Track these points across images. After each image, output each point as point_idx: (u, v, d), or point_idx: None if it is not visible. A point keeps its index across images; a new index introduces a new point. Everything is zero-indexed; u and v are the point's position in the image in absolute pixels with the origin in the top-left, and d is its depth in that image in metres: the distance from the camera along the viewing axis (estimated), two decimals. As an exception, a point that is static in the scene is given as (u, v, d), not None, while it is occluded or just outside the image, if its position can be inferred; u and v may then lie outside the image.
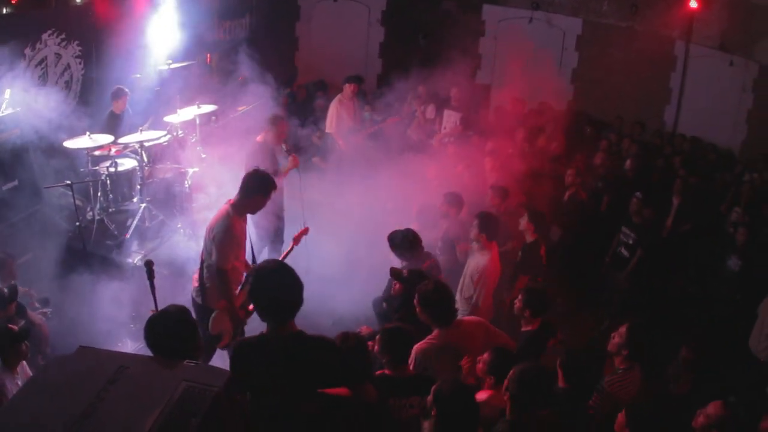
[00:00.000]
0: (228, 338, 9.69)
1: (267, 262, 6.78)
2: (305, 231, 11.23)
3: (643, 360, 8.52)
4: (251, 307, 9.57)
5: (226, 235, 9.43)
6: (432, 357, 8.39)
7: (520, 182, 14.71)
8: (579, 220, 14.87)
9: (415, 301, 8.81)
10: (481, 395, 7.72)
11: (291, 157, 12.72)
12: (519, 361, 9.33)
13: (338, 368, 6.62)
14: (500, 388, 7.55)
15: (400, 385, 7.50)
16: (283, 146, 12.82)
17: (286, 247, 11.86)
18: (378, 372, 8.03)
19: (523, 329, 9.70)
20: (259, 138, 12.96)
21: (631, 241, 14.15)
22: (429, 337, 8.61)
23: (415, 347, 8.41)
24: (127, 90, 15.58)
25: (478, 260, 11.22)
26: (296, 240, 10.99)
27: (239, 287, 9.89)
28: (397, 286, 10.11)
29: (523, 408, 7.14)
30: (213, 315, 9.52)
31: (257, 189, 9.71)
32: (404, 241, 10.90)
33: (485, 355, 7.89)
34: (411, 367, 8.27)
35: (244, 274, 9.98)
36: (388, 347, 7.74)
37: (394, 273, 10.33)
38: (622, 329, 8.55)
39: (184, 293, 10.34)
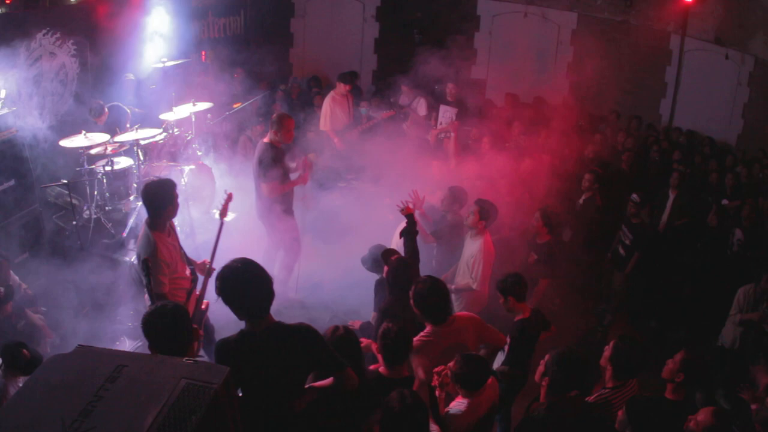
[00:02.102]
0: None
1: (231, 262, 6.73)
2: (230, 198, 10.60)
3: (632, 377, 8.48)
4: (204, 305, 9.77)
5: (154, 260, 9.13)
6: (425, 354, 8.35)
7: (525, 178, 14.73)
8: (593, 223, 14.81)
9: (410, 293, 8.78)
10: (459, 405, 7.71)
11: (303, 161, 12.57)
12: (514, 349, 9.39)
13: (319, 354, 6.65)
14: (476, 395, 7.61)
15: (394, 387, 7.42)
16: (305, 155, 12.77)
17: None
18: (372, 366, 8.09)
19: (516, 319, 9.71)
20: (265, 139, 12.83)
21: (628, 241, 14.17)
22: (422, 333, 8.58)
23: None
24: (103, 104, 15.42)
25: (472, 246, 11.39)
26: (223, 213, 10.41)
27: (188, 296, 9.76)
28: (386, 268, 10.08)
29: (560, 390, 7.22)
30: None
31: (163, 202, 9.43)
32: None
33: (451, 363, 7.82)
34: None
35: (196, 278, 10.02)
36: (385, 347, 7.72)
37: (384, 253, 10.32)
38: (611, 344, 8.52)
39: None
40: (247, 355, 6.45)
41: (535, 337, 9.66)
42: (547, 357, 7.68)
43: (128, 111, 15.46)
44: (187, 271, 9.91)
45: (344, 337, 7.36)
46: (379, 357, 7.84)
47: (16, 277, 11.37)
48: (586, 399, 8.21)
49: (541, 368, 7.66)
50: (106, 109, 15.35)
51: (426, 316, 8.61)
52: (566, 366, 7.36)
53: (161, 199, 9.41)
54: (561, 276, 12.46)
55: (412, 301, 8.65)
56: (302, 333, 6.61)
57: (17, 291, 11.02)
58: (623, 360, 8.25)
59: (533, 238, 12.64)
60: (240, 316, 6.63)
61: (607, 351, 8.44)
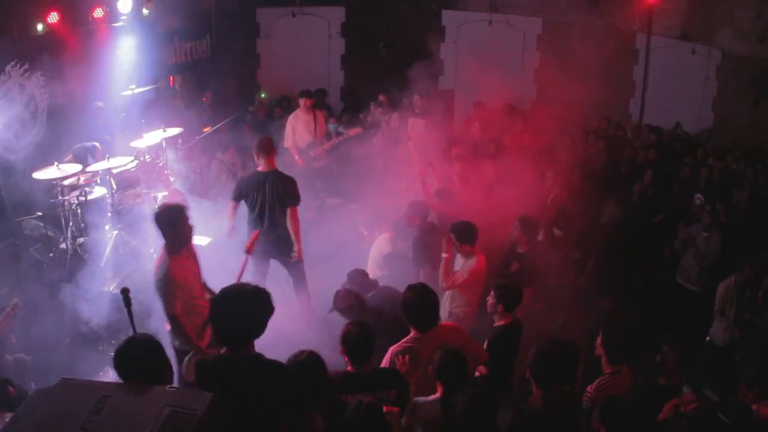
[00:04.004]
0: None
1: (228, 288, 6.82)
2: (256, 237, 10.89)
3: (627, 361, 8.56)
4: None
5: (165, 281, 9.29)
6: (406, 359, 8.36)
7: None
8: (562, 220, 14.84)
9: (401, 299, 8.82)
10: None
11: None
12: (492, 354, 9.43)
13: (287, 394, 6.67)
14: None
15: (362, 381, 7.62)
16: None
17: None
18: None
19: (496, 324, 9.79)
20: (263, 169, 12.74)
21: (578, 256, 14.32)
22: (405, 339, 8.65)
23: (391, 348, 8.54)
24: (66, 159, 15.34)
25: (463, 268, 11.25)
26: (249, 250, 10.69)
27: (204, 324, 9.65)
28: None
29: (543, 383, 7.25)
30: (185, 361, 9.39)
31: (171, 223, 9.55)
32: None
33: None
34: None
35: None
36: (348, 350, 7.85)
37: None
38: (600, 333, 8.61)
39: (162, 318, 10.25)
40: (222, 380, 6.48)
41: (516, 344, 9.74)
42: (531, 350, 7.74)
43: (96, 145, 15.36)
44: (207, 297, 9.87)
45: (306, 362, 7.30)
46: (346, 358, 7.96)
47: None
48: (587, 388, 8.38)
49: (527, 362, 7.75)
50: (70, 156, 15.25)
51: (412, 322, 8.67)
52: (544, 360, 7.41)
53: (162, 223, 9.53)
54: (542, 284, 12.42)
55: (401, 307, 8.73)
56: (274, 372, 6.68)
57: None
58: (614, 343, 8.43)
59: (513, 247, 12.58)
60: (220, 340, 6.78)
61: (599, 338, 8.55)
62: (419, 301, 8.60)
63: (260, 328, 6.69)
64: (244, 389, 6.44)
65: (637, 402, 7.90)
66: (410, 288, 8.85)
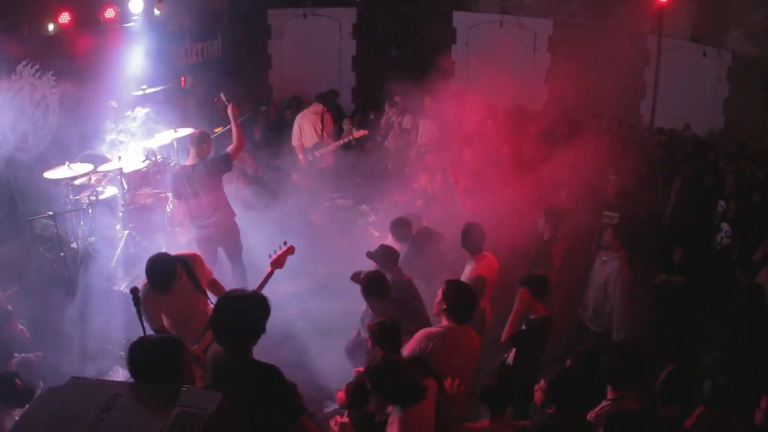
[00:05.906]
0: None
1: (228, 293, 6.98)
2: (290, 251, 9.77)
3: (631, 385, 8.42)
4: None
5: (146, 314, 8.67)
6: (436, 342, 8.55)
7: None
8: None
9: (442, 290, 8.92)
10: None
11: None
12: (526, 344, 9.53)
13: (280, 399, 6.74)
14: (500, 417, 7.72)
15: None
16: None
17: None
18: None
19: (532, 317, 9.93)
20: (193, 162, 12.71)
21: (615, 221, 14.02)
22: (440, 324, 8.81)
23: (423, 330, 8.74)
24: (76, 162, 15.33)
25: (465, 272, 11.20)
26: (278, 263, 9.56)
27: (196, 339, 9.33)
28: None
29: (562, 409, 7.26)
30: None
31: (162, 277, 9.07)
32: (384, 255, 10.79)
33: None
34: (417, 347, 8.54)
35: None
36: (381, 339, 8.01)
37: (352, 277, 10.21)
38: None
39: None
40: (217, 376, 6.77)
41: (549, 333, 9.98)
42: (542, 382, 7.73)
43: (108, 157, 15.22)
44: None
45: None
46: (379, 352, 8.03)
47: (20, 326, 11.30)
48: (587, 415, 8.21)
49: (537, 393, 7.73)
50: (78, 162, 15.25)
51: (448, 314, 8.75)
52: (559, 390, 7.39)
53: (161, 279, 9.07)
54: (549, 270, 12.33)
55: (440, 296, 8.86)
56: (270, 376, 6.76)
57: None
58: (616, 370, 8.21)
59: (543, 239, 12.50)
60: (220, 344, 6.86)
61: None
62: (458, 292, 8.81)
63: (259, 329, 6.78)
64: (237, 391, 6.40)
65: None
66: (451, 281, 9.07)
